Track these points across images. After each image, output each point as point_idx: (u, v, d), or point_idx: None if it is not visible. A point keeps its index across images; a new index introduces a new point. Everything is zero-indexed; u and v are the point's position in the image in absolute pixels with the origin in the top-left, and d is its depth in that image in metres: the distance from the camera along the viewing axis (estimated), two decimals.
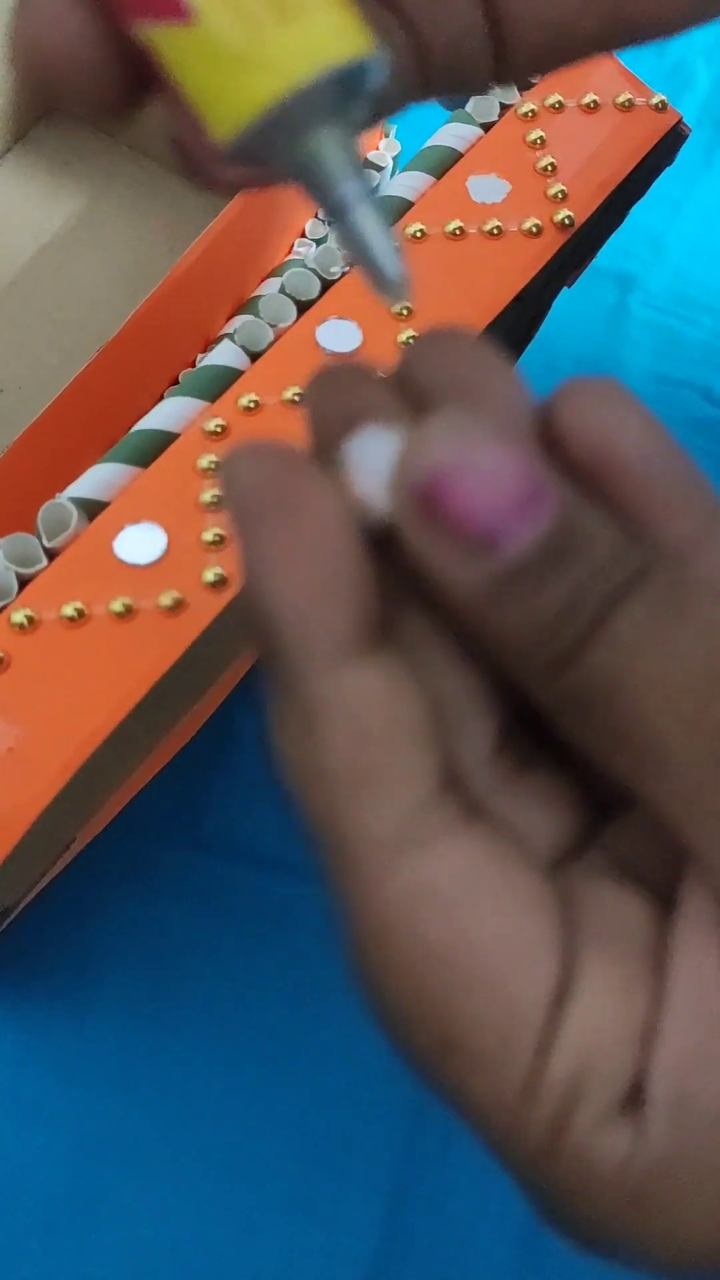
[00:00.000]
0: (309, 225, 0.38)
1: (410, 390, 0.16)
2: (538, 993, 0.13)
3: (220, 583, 0.26)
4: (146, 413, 0.28)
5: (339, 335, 0.28)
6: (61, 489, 0.27)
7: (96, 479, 0.27)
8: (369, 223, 0.15)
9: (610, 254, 0.39)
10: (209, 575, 0.26)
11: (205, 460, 0.27)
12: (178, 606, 0.25)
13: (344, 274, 0.29)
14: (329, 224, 0.14)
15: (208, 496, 0.26)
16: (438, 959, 0.14)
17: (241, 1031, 0.36)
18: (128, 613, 0.25)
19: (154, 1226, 0.34)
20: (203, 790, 0.38)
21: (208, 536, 0.26)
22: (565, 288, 0.39)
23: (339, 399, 0.16)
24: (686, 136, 0.33)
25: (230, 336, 0.29)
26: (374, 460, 0.15)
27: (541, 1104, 0.13)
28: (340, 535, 0.14)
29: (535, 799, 0.16)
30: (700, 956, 0.14)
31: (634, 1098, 0.13)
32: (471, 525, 0.13)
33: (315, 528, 0.14)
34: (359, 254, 0.15)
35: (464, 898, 0.14)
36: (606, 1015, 0.13)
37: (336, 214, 0.15)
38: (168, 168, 0.47)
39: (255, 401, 0.27)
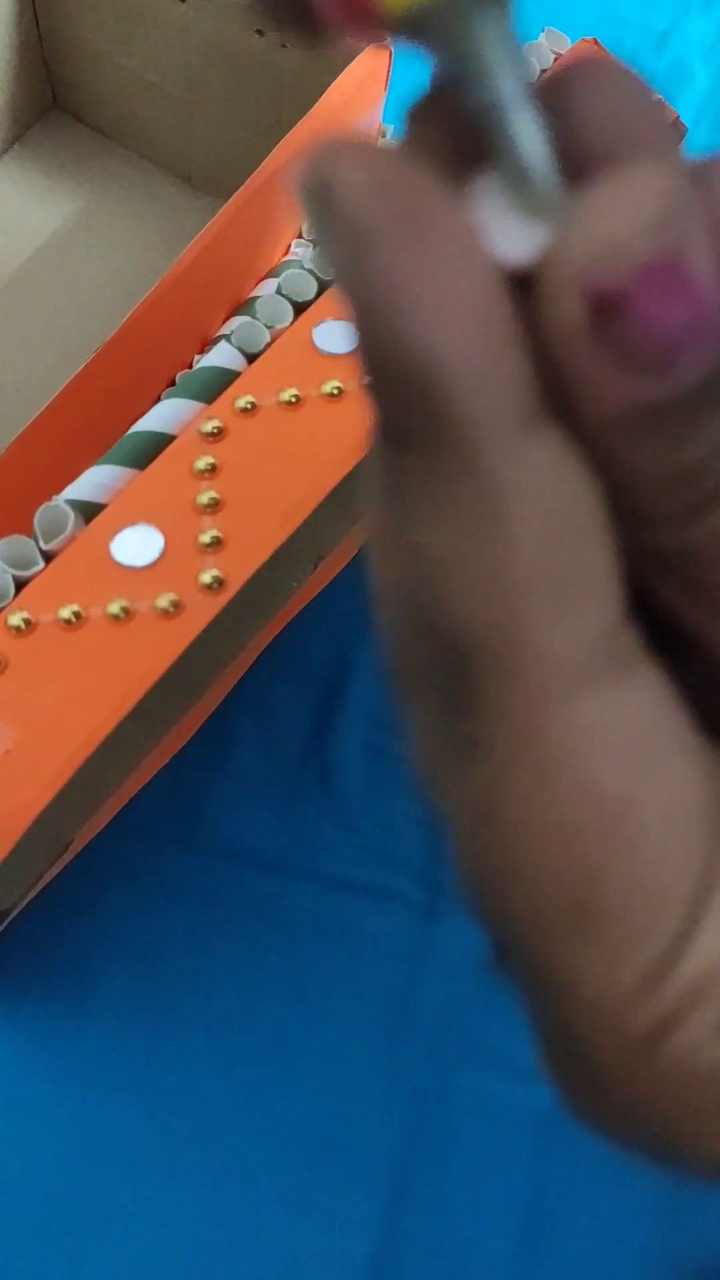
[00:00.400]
0: (306, 226, 0.38)
1: (565, 129, 0.12)
2: (693, 872, 0.12)
3: (217, 584, 0.26)
4: (144, 414, 0.28)
5: (336, 336, 0.28)
6: (58, 491, 0.27)
7: (93, 481, 0.27)
8: (526, 125, 0.12)
9: None
10: (206, 577, 0.26)
11: (202, 462, 0.27)
12: (175, 608, 0.25)
13: None
14: (482, 121, 0.12)
15: (204, 498, 0.26)
16: (605, 812, 0.11)
17: (239, 1032, 0.36)
18: (125, 615, 0.25)
19: (152, 1226, 0.34)
20: (200, 791, 0.38)
21: (204, 538, 0.26)
22: None
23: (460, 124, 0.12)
24: (684, 135, 0.33)
25: (227, 338, 0.29)
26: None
27: (663, 996, 0.12)
28: (493, 270, 0.11)
29: None
30: None
31: None
32: (655, 339, 0.11)
33: (465, 257, 0.11)
34: (509, 160, 0.12)
35: (648, 747, 0.12)
36: None
37: (491, 111, 0.13)
38: (165, 169, 0.47)
39: (252, 403, 0.27)
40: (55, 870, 0.36)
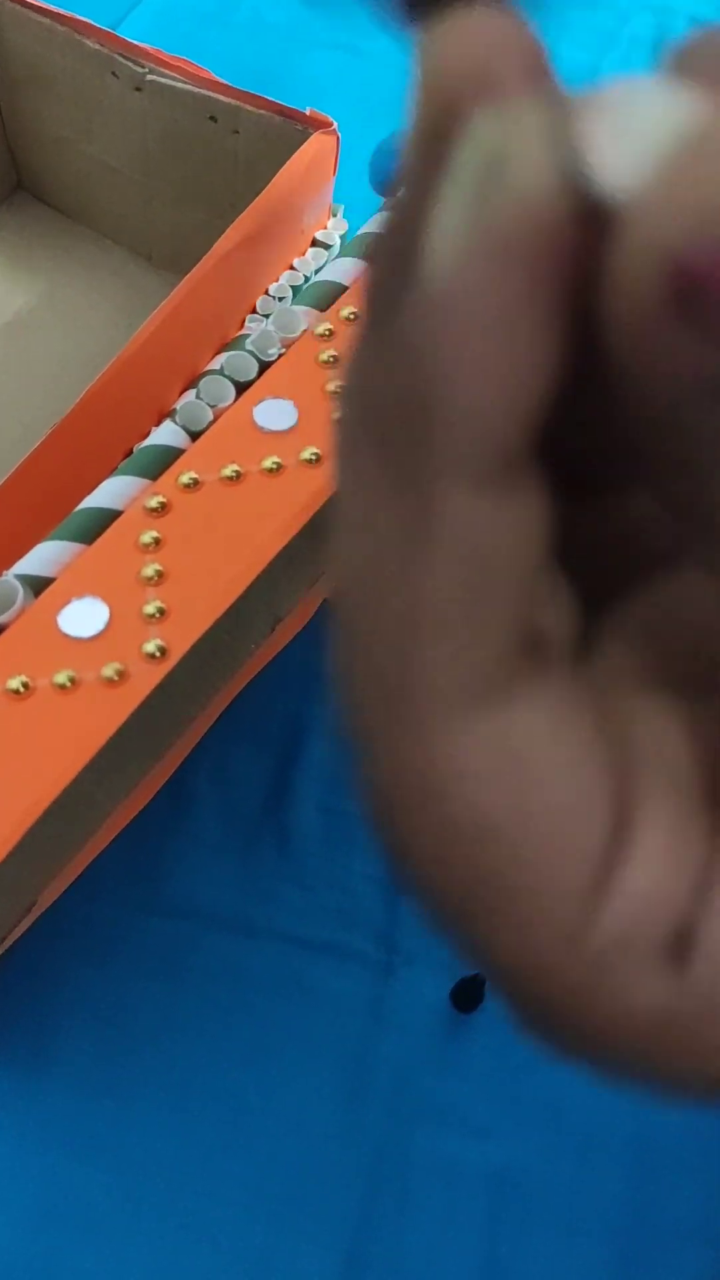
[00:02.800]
0: (260, 302, 0.40)
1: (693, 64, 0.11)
2: (592, 853, 0.12)
3: (160, 653, 0.27)
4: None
5: (275, 414, 0.29)
6: (11, 565, 0.28)
7: (42, 556, 0.28)
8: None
9: None
10: (149, 647, 0.27)
11: (146, 536, 0.28)
12: (119, 677, 0.26)
13: (280, 356, 0.31)
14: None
15: (148, 571, 0.27)
16: (495, 829, 0.12)
17: (198, 1093, 0.36)
18: (71, 684, 0.26)
19: None
20: (160, 853, 0.39)
21: (148, 609, 0.27)
22: None
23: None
24: None
25: (172, 417, 0.30)
26: (640, 131, 0.10)
27: (582, 958, 0.12)
28: (548, 264, 0.10)
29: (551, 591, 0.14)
30: None
31: (681, 944, 0.13)
32: None
33: (522, 236, 0.10)
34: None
35: (535, 764, 0.12)
36: (661, 870, 0.12)
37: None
38: (126, 249, 0.49)
39: (194, 479, 0.29)
40: (18, 932, 0.36)
